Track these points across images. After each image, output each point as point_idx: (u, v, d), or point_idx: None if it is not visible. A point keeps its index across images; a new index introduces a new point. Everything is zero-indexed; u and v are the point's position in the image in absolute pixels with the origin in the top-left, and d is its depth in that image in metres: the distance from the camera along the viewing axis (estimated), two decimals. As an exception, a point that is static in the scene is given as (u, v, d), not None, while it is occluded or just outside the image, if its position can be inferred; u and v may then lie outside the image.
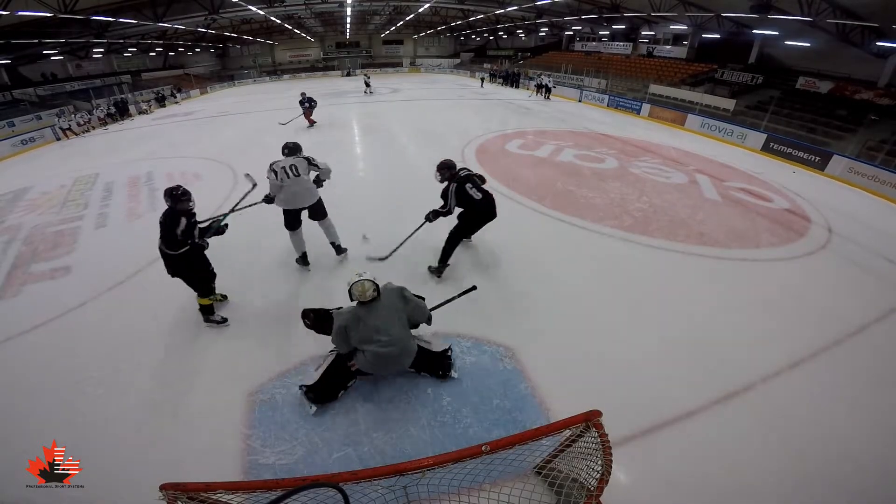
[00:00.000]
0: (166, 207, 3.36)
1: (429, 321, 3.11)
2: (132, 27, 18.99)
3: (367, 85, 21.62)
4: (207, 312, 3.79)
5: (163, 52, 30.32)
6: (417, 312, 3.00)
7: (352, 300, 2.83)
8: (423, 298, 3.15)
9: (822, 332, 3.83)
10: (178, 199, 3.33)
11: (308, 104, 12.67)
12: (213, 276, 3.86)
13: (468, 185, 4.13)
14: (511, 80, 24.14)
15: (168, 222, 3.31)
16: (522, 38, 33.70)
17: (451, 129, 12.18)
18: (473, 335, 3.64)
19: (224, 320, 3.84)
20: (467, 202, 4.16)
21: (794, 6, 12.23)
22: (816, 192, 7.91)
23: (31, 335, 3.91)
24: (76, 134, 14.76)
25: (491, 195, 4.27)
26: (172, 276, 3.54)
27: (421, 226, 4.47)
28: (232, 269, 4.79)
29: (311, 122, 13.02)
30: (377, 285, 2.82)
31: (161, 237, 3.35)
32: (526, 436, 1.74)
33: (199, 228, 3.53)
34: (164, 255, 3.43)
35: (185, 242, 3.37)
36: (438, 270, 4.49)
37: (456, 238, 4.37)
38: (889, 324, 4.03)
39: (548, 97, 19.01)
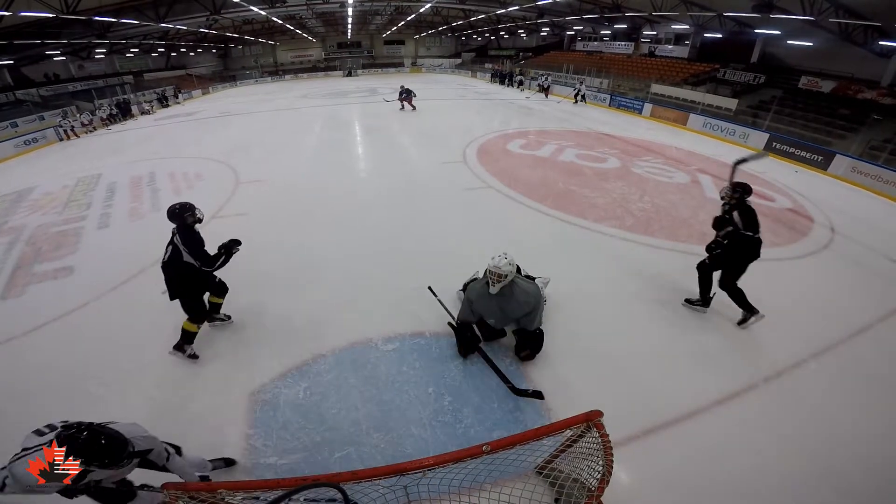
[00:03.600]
0: (176, 226, 3.23)
1: None
2: (134, 28, 19.02)
3: (521, 83, 22.96)
4: (187, 340, 3.47)
5: (165, 52, 30.39)
6: None
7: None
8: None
9: (825, 331, 3.81)
10: (182, 214, 3.22)
11: (406, 94, 15.47)
12: (225, 290, 3.73)
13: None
14: (511, 80, 24.05)
15: (193, 240, 3.20)
16: (524, 37, 33.65)
17: (453, 130, 12.17)
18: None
19: (195, 356, 3.49)
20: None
21: (796, 5, 12.16)
22: (819, 192, 7.87)
23: (34, 335, 3.92)
24: (77, 136, 14.80)
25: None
26: (172, 298, 3.34)
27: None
28: (231, 267, 4.79)
29: (412, 107, 15.56)
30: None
31: (194, 257, 3.17)
32: (527, 436, 1.74)
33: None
34: (174, 274, 3.25)
35: (218, 256, 3.32)
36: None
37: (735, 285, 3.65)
38: (892, 323, 4.00)
39: (584, 101, 17.58)
